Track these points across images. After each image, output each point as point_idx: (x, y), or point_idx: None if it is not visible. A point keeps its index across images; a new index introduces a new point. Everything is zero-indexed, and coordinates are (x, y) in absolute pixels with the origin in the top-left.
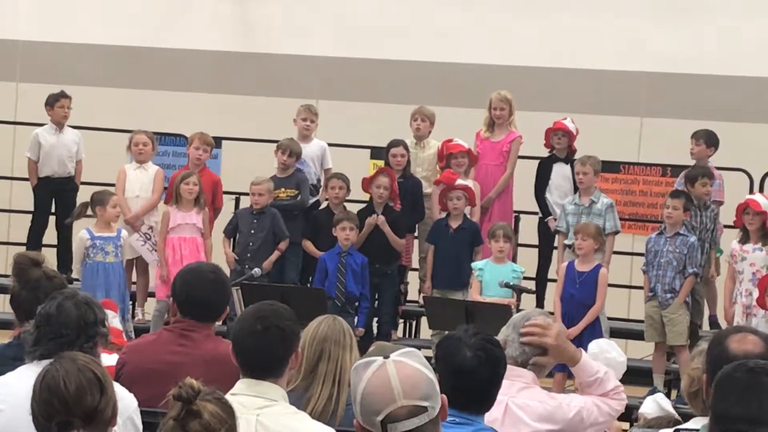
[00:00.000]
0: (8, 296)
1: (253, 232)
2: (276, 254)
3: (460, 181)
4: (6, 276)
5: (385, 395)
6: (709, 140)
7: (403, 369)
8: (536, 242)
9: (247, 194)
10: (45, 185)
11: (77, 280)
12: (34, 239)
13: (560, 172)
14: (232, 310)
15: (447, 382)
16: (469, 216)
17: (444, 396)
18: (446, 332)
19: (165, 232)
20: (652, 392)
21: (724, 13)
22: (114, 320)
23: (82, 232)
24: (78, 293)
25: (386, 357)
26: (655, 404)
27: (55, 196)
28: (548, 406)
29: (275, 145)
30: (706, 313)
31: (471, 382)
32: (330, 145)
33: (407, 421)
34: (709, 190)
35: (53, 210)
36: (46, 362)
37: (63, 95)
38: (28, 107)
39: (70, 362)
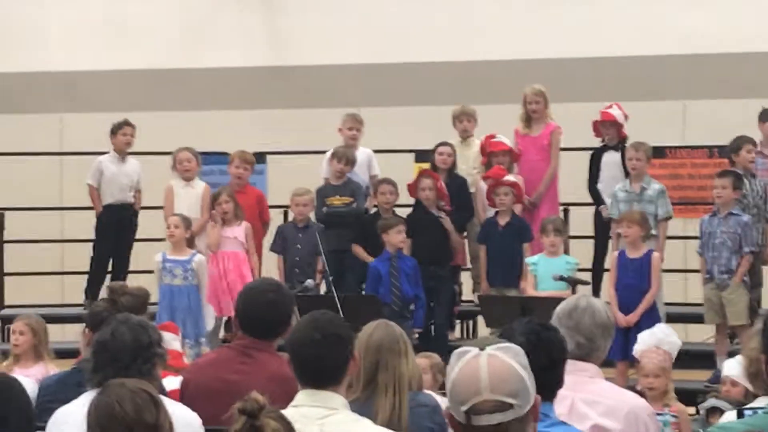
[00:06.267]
0: (64, 326)
1: (299, 246)
2: (319, 276)
3: (508, 177)
4: (61, 306)
5: (471, 386)
6: None
7: (495, 363)
8: (588, 233)
9: None
10: (107, 212)
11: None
12: (100, 267)
13: (610, 159)
14: None
15: None
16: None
17: (538, 396)
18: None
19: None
20: (717, 374)
21: None
22: (174, 342)
23: (157, 255)
24: (131, 317)
25: (482, 348)
26: (737, 363)
27: (117, 224)
28: (613, 401)
29: (319, 156)
30: None
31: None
32: (374, 151)
33: (490, 415)
34: (754, 157)
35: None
36: None
37: (126, 123)
38: (72, 138)
39: (119, 387)
